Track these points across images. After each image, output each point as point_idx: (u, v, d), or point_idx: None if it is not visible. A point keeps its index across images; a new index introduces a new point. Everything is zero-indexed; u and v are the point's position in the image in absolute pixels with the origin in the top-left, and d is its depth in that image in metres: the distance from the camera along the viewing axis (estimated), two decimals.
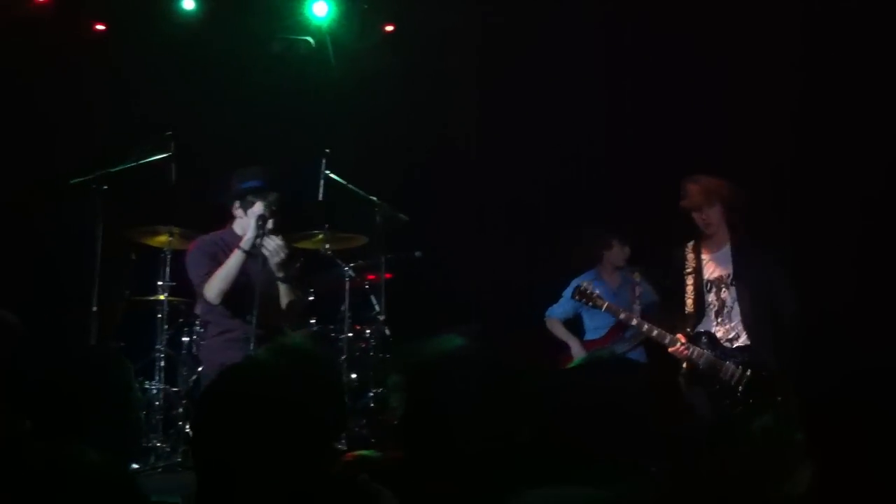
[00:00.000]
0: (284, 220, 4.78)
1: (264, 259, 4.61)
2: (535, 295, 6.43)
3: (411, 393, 2.09)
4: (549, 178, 7.19)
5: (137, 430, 4.09)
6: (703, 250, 4.87)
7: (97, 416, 2.27)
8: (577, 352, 5.81)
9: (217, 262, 4.63)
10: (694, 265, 4.82)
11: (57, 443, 1.56)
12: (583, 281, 5.43)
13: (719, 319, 4.76)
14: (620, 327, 5.61)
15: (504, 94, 7.25)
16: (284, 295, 4.69)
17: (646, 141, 6.73)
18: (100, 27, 7.12)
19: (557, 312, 5.96)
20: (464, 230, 7.25)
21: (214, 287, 4.60)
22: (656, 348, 5.02)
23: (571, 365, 2.26)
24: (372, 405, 5.91)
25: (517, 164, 7.22)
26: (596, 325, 5.83)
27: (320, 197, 5.85)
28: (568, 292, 5.77)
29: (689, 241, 4.91)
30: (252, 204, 4.69)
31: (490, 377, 2.17)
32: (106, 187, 5.35)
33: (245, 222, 4.69)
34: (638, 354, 5.65)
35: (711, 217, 4.78)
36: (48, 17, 6.86)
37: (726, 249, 4.83)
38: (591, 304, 5.08)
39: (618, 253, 5.94)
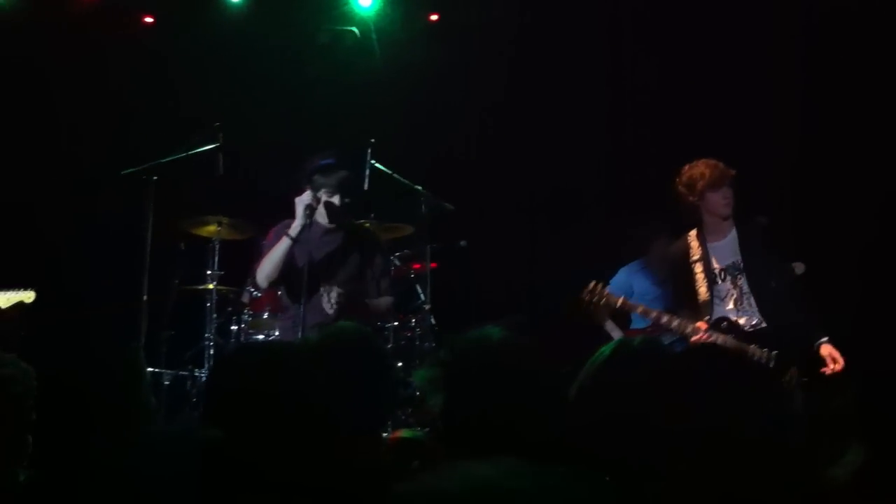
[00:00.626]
0: (353, 199, 4.76)
1: (314, 247, 4.65)
2: (582, 283, 6.39)
3: (449, 386, 2.09)
4: (596, 165, 7.16)
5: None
6: (707, 238, 4.77)
7: (103, 420, 2.28)
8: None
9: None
10: (700, 253, 4.74)
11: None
12: (635, 272, 5.38)
13: (740, 306, 4.67)
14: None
15: (548, 82, 7.22)
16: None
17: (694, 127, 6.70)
18: (148, 19, 7.22)
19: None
20: (509, 219, 7.23)
21: (261, 272, 4.67)
22: None
23: (600, 351, 2.22)
24: (417, 394, 5.94)
25: (562, 153, 7.20)
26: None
27: (365, 187, 5.87)
28: (615, 280, 5.74)
29: (690, 230, 4.83)
30: (320, 186, 4.72)
31: (526, 369, 2.17)
32: (156, 178, 5.43)
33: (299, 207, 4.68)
34: (685, 344, 5.60)
35: (730, 198, 4.68)
36: (97, 9, 6.97)
37: (732, 236, 4.73)
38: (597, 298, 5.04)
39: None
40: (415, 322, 6.23)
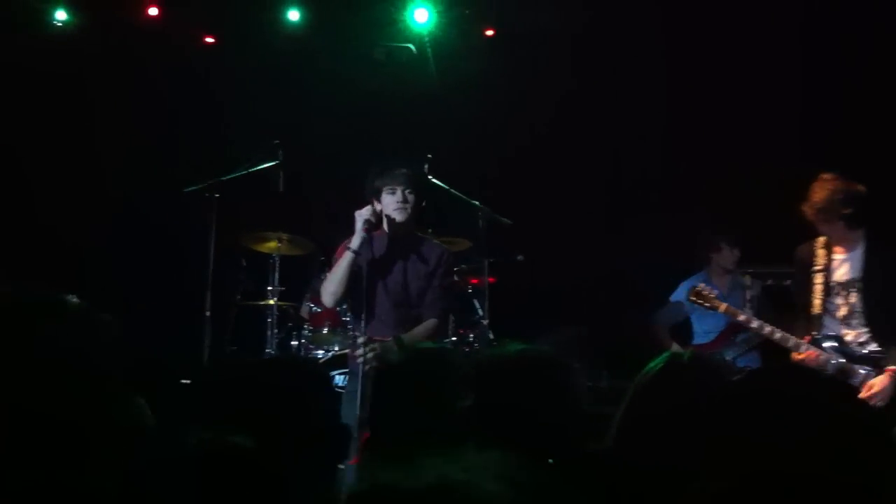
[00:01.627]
0: (421, 196, 4.68)
1: (378, 261, 4.59)
2: (639, 296, 6.35)
3: (477, 389, 2.09)
4: (653, 178, 7.10)
5: None
6: (834, 249, 4.52)
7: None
8: None
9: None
10: (824, 263, 4.55)
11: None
12: (699, 282, 5.31)
13: (850, 323, 4.45)
14: (732, 331, 5.48)
15: (602, 95, 7.20)
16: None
17: (753, 138, 6.61)
18: (209, 39, 7.36)
19: (664, 317, 5.86)
20: (566, 233, 7.20)
21: (326, 289, 4.59)
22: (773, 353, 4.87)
23: (651, 364, 2.19)
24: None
25: (620, 165, 7.16)
26: (706, 329, 5.72)
27: (423, 202, 5.87)
28: (675, 296, 5.68)
29: (818, 238, 4.57)
30: (380, 191, 4.58)
31: (559, 382, 2.15)
32: (218, 195, 5.53)
33: (390, 215, 4.57)
34: (750, 360, 5.52)
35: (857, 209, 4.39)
36: (159, 30, 7.13)
37: (861, 250, 4.47)
38: (708, 305, 4.91)
39: (727, 255, 5.82)
40: (473, 337, 6.23)
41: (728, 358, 5.49)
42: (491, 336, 5.98)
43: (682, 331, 5.90)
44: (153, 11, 7.09)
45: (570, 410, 2.10)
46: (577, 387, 2.20)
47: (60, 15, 6.99)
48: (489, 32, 7.44)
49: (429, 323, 4.59)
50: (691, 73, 6.99)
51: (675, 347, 5.71)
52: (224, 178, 5.59)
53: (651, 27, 7.03)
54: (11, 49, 6.66)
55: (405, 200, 4.49)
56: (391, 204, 4.49)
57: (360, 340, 4.37)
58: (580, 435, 2.07)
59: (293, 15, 7.13)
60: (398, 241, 4.54)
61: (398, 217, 4.49)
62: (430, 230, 6.21)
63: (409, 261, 4.61)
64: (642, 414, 2.01)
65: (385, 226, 4.58)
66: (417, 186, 4.58)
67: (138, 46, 7.07)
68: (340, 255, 4.69)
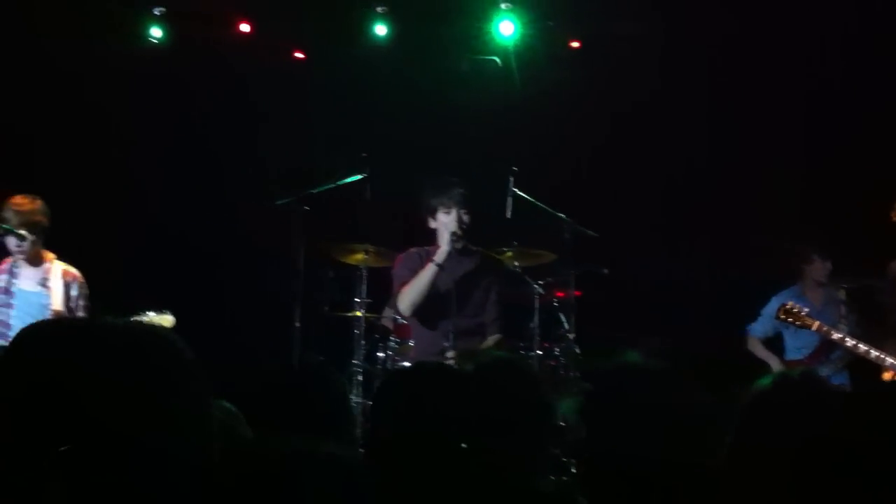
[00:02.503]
0: (476, 217, 4.73)
1: (462, 271, 4.66)
2: (727, 309, 6.24)
3: (587, 416, 2.06)
4: (741, 190, 6.98)
5: None
6: None
7: None
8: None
9: (416, 274, 4.70)
10: None
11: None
12: (788, 300, 5.20)
13: None
14: (826, 348, 5.34)
15: (691, 107, 7.11)
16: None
17: (843, 149, 6.46)
18: (299, 55, 7.51)
19: (758, 331, 5.75)
20: (652, 246, 7.12)
21: (405, 299, 4.67)
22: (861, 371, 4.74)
23: (759, 383, 2.14)
24: (562, 423, 5.87)
25: (708, 178, 7.06)
26: (799, 346, 5.59)
27: (508, 214, 5.89)
28: (768, 310, 5.56)
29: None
30: (436, 209, 4.69)
31: (668, 398, 2.11)
32: (307, 208, 5.62)
33: (443, 234, 4.69)
34: (842, 378, 5.37)
35: None
36: (251, 45, 7.29)
37: None
38: (798, 323, 4.82)
39: (819, 268, 5.68)
40: (559, 350, 6.18)
41: (820, 374, 5.35)
42: (577, 350, 5.94)
43: (774, 346, 5.77)
44: (245, 27, 7.26)
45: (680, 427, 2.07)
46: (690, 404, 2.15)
47: (156, 32, 7.21)
48: (575, 44, 7.41)
49: (495, 338, 4.69)
50: (779, 80, 6.85)
51: (776, 362, 5.59)
52: (313, 191, 5.69)
53: (734, 35, 6.93)
54: (109, 65, 6.90)
55: (460, 219, 4.60)
56: (447, 223, 4.61)
57: (449, 354, 4.42)
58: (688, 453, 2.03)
59: (380, 29, 7.22)
60: (453, 258, 4.63)
61: (448, 236, 4.58)
62: (514, 243, 6.22)
63: (464, 275, 4.70)
64: (754, 434, 1.96)
65: (440, 242, 4.68)
66: (472, 206, 4.67)
67: (230, 61, 7.24)
68: (397, 266, 4.78)
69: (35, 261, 4.85)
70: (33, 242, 4.78)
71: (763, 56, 6.86)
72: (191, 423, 1.57)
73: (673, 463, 2.02)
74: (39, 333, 1.82)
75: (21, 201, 4.76)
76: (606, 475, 2.06)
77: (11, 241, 4.75)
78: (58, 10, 6.56)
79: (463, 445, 2.09)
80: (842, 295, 5.32)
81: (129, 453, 1.45)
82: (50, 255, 4.91)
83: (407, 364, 5.71)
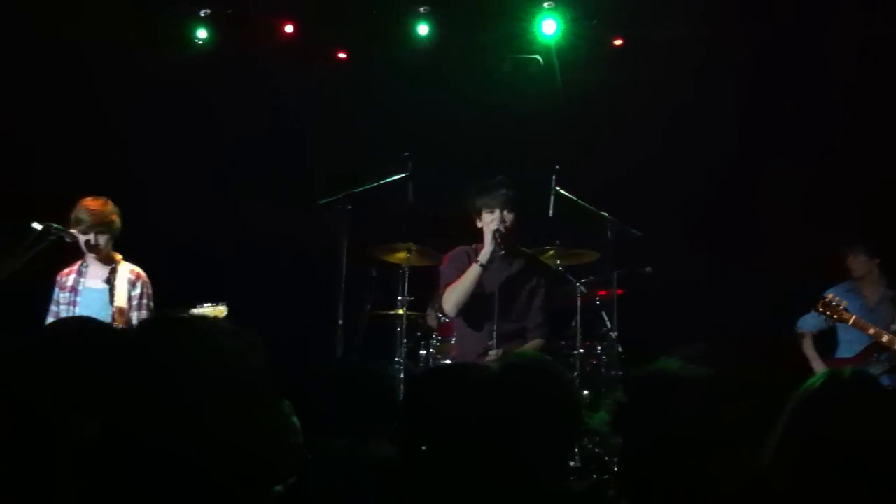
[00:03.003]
0: (519, 218, 4.76)
1: (512, 275, 4.68)
2: (774, 308, 6.18)
3: (624, 431, 2.04)
4: (786, 186, 6.91)
5: None
6: None
7: None
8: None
9: (463, 273, 4.71)
10: None
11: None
12: (839, 294, 5.12)
13: None
14: (876, 347, 5.25)
15: (732, 105, 7.05)
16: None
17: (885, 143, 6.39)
18: (342, 55, 7.57)
19: (809, 324, 5.65)
20: (695, 244, 7.07)
21: (451, 299, 4.67)
22: None
23: (809, 381, 2.10)
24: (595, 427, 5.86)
25: (751, 174, 7.00)
26: (850, 339, 5.48)
27: (550, 213, 5.88)
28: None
29: None
30: (481, 210, 4.70)
31: (713, 404, 2.09)
32: (350, 207, 5.67)
33: (487, 233, 4.70)
34: (892, 380, 5.28)
35: None
36: (295, 46, 7.36)
37: None
38: (835, 317, 4.75)
39: (860, 263, 5.59)
40: (601, 349, 6.18)
41: (869, 374, 5.27)
42: (619, 349, 5.93)
43: (827, 339, 5.68)
44: (289, 28, 7.33)
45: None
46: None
47: (201, 33, 7.31)
48: (617, 42, 7.38)
49: (538, 343, 4.69)
50: (824, 79, 6.77)
51: (819, 365, 5.51)
52: (356, 191, 5.73)
53: (777, 34, 6.87)
54: (155, 67, 7.01)
55: (505, 220, 4.60)
56: (492, 223, 4.61)
57: (492, 353, 4.44)
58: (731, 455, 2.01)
59: (422, 29, 7.25)
60: (498, 259, 4.63)
61: (492, 236, 4.58)
62: (556, 242, 6.22)
63: (510, 277, 4.70)
64: (802, 433, 1.94)
65: (486, 243, 4.68)
66: (516, 206, 4.65)
67: (273, 62, 7.32)
68: (445, 265, 4.80)
69: (104, 260, 4.96)
70: (106, 242, 4.88)
71: (804, 58, 6.79)
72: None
73: (707, 471, 2.00)
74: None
75: (92, 202, 4.87)
76: (642, 478, 2.05)
77: (84, 242, 4.85)
78: (105, 14, 6.67)
79: (487, 445, 2.08)
80: None
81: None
82: (118, 256, 5.02)
83: (448, 362, 5.74)
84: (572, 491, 1.97)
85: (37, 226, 4.70)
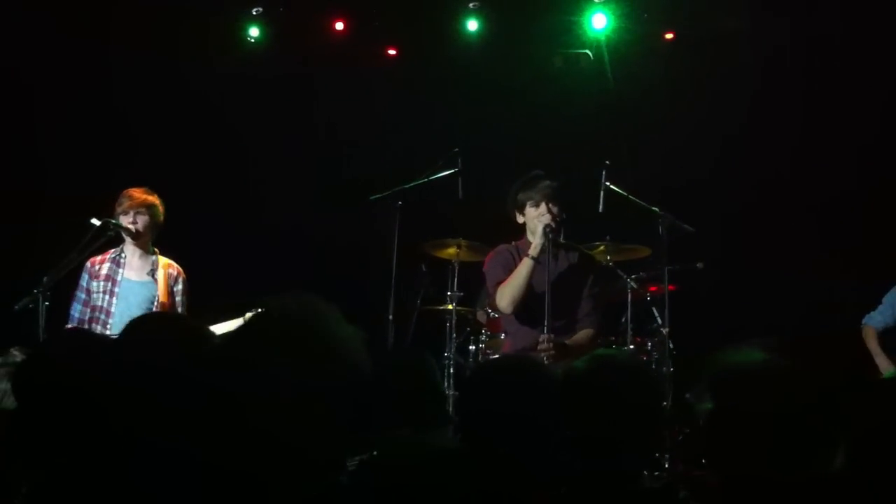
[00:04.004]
0: (563, 210, 4.74)
1: (559, 269, 4.68)
2: (835, 305, 6.09)
3: (718, 408, 2.01)
4: (843, 181, 6.79)
5: None
6: None
7: None
8: (885, 370, 5.39)
9: (510, 271, 4.72)
10: None
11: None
12: None
13: None
14: None
15: (787, 98, 6.94)
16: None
17: None
18: (392, 52, 7.60)
19: (877, 321, 5.54)
20: (748, 239, 6.98)
21: (505, 296, 4.67)
22: None
23: (886, 376, 2.05)
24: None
25: (807, 169, 6.89)
26: None
27: (601, 209, 5.85)
28: (889, 298, 5.38)
29: None
30: (524, 204, 4.71)
31: (800, 393, 2.05)
32: (400, 202, 5.70)
33: (537, 228, 4.69)
34: None
35: None
36: (346, 43, 7.42)
37: None
38: None
39: None
40: (651, 346, 6.13)
41: None
42: (671, 346, 5.87)
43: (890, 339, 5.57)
44: (339, 26, 7.39)
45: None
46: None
47: (254, 31, 7.40)
48: (669, 36, 7.31)
49: (588, 332, 4.67)
50: (883, 74, 6.65)
51: (885, 363, 5.39)
52: (406, 187, 5.76)
53: (832, 27, 6.75)
54: (210, 64, 7.12)
55: (549, 213, 4.58)
56: (537, 217, 4.60)
57: (542, 346, 4.44)
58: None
59: (472, 25, 7.26)
60: (547, 252, 4.62)
61: (542, 230, 4.56)
62: (607, 237, 6.18)
63: (558, 270, 4.69)
64: (875, 434, 1.89)
65: (529, 237, 4.66)
66: (560, 199, 4.63)
67: (325, 59, 7.38)
68: (489, 263, 4.80)
69: (143, 252, 4.97)
70: (145, 226, 4.88)
71: (861, 52, 6.67)
72: None
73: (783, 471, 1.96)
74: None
75: (134, 188, 4.92)
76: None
77: (126, 225, 4.86)
78: (159, 14, 6.77)
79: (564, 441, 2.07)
80: None
81: None
82: (155, 249, 5.05)
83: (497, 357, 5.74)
84: (647, 488, 1.95)
85: (95, 222, 4.78)
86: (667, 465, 5.30)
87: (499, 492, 1.87)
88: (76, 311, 4.89)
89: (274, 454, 1.46)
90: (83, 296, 4.90)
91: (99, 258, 4.94)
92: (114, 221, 4.81)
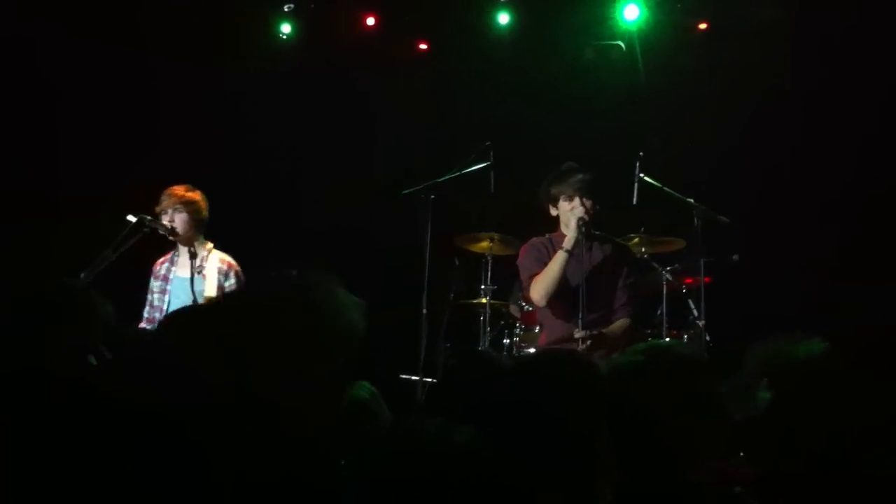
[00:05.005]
0: (599, 203, 4.72)
1: (593, 261, 4.66)
2: (874, 296, 5.99)
3: (779, 397, 1.96)
4: (881, 170, 6.69)
5: None
6: None
7: None
8: None
9: (544, 264, 4.71)
10: None
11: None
12: None
13: None
14: None
15: (824, 88, 6.84)
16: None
17: None
18: (422, 46, 7.60)
19: None
20: (786, 231, 6.89)
21: (539, 289, 4.66)
22: None
23: None
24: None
25: (842, 159, 6.79)
26: None
27: (635, 201, 5.80)
28: None
29: None
30: (557, 197, 4.69)
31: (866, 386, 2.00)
32: (433, 196, 5.69)
33: (570, 221, 4.68)
34: None
35: None
36: (377, 38, 7.43)
37: None
38: None
39: None
40: (687, 339, 6.07)
41: None
42: (707, 339, 5.81)
43: None
44: (370, 21, 7.40)
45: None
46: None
47: (285, 28, 7.44)
48: (702, 26, 7.24)
49: (623, 322, 4.64)
50: None
51: None
52: (438, 181, 5.75)
53: (869, 15, 6.64)
54: (243, 62, 7.16)
55: (583, 206, 4.56)
56: (570, 210, 4.58)
57: (578, 335, 4.43)
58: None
59: (503, 18, 7.24)
60: (581, 245, 4.59)
61: (576, 223, 4.55)
62: (641, 230, 6.14)
63: (592, 262, 4.67)
64: None
65: (563, 229, 4.67)
66: (594, 192, 4.59)
67: (356, 54, 7.39)
68: (523, 256, 4.78)
69: (193, 247, 5.02)
70: (183, 224, 4.95)
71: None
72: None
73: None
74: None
75: (174, 186, 4.98)
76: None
77: (166, 220, 4.92)
78: (190, 13, 6.81)
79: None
80: None
81: None
82: (208, 245, 5.10)
83: (532, 350, 5.72)
84: (699, 483, 1.91)
85: (131, 218, 4.82)
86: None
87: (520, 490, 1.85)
88: (145, 311, 5.13)
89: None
90: (148, 296, 5.13)
91: (161, 259, 5.14)
92: (149, 218, 4.85)
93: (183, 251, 5.05)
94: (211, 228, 5.17)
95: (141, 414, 1.45)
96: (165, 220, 4.91)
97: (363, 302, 1.76)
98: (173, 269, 5.08)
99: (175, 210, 4.93)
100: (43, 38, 6.45)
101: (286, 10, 7.36)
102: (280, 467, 1.60)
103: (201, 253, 5.04)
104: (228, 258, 5.11)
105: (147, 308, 5.12)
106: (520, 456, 1.82)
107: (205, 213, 5.03)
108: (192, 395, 1.52)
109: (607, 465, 1.88)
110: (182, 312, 2.15)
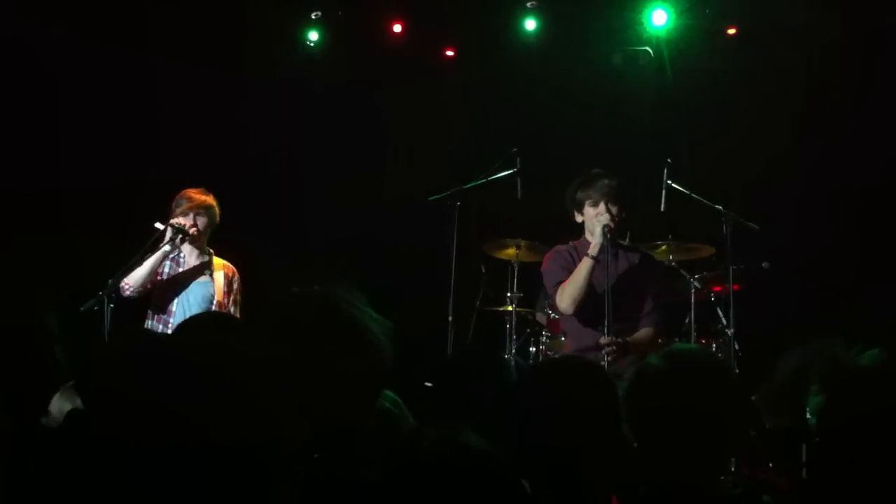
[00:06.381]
0: (625, 206, 4.68)
1: (619, 268, 4.63)
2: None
3: (838, 405, 1.89)
4: None
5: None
6: None
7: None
8: None
9: (569, 271, 4.68)
10: None
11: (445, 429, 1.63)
12: None
13: None
14: None
15: (854, 94, 6.75)
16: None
17: None
18: (449, 52, 7.60)
19: None
20: (815, 238, 6.81)
21: (567, 297, 4.63)
22: None
23: None
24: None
25: (873, 167, 6.69)
26: None
27: (662, 208, 5.75)
28: None
29: None
30: (582, 203, 4.67)
31: None
32: (459, 203, 5.68)
33: (595, 227, 4.65)
34: None
35: None
36: (404, 45, 7.43)
37: None
38: None
39: None
40: (716, 347, 6.01)
41: None
42: (736, 347, 5.75)
43: None
44: (397, 28, 7.41)
45: None
46: None
47: (313, 35, 7.47)
48: (731, 31, 7.18)
49: (649, 331, 4.61)
50: None
51: None
52: (465, 187, 5.74)
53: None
54: (272, 70, 7.20)
55: (610, 212, 4.52)
56: (595, 216, 4.55)
57: (604, 341, 4.41)
58: None
59: (530, 24, 7.22)
60: (607, 251, 4.56)
61: (601, 229, 4.53)
62: (669, 236, 6.08)
63: (618, 269, 4.63)
64: None
65: (588, 236, 4.65)
66: (619, 198, 4.55)
67: (383, 61, 7.40)
68: (548, 263, 4.75)
69: (200, 252, 5.05)
70: (205, 227, 4.96)
71: None
72: None
73: None
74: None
75: (191, 189, 5.00)
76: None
77: (188, 224, 4.92)
78: (216, 19, 6.85)
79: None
80: None
81: None
82: (210, 250, 5.12)
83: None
84: (728, 494, 1.89)
85: (159, 226, 4.86)
86: (732, 469, 5.19)
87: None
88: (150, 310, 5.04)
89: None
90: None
91: None
92: (176, 225, 4.87)
93: (189, 253, 5.03)
94: (234, 233, 5.19)
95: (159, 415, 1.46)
96: (186, 223, 4.92)
97: (391, 324, 1.74)
98: (179, 270, 5.02)
99: (197, 214, 4.96)
100: (76, 46, 6.50)
101: (314, 17, 7.39)
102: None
103: (206, 257, 5.07)
104: (230, 264, 5.13)
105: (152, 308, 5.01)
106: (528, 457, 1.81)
107: (218, 215, 5.07)
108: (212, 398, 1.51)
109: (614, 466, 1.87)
110: (209, 319, 2.15)
